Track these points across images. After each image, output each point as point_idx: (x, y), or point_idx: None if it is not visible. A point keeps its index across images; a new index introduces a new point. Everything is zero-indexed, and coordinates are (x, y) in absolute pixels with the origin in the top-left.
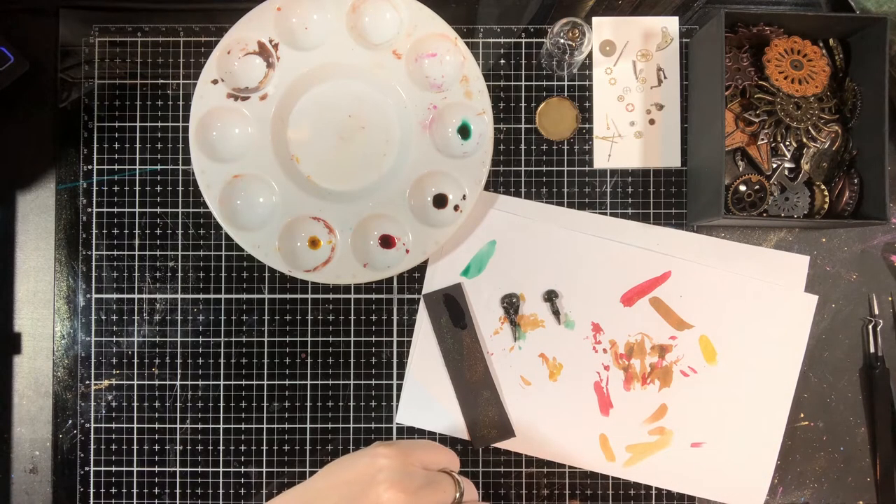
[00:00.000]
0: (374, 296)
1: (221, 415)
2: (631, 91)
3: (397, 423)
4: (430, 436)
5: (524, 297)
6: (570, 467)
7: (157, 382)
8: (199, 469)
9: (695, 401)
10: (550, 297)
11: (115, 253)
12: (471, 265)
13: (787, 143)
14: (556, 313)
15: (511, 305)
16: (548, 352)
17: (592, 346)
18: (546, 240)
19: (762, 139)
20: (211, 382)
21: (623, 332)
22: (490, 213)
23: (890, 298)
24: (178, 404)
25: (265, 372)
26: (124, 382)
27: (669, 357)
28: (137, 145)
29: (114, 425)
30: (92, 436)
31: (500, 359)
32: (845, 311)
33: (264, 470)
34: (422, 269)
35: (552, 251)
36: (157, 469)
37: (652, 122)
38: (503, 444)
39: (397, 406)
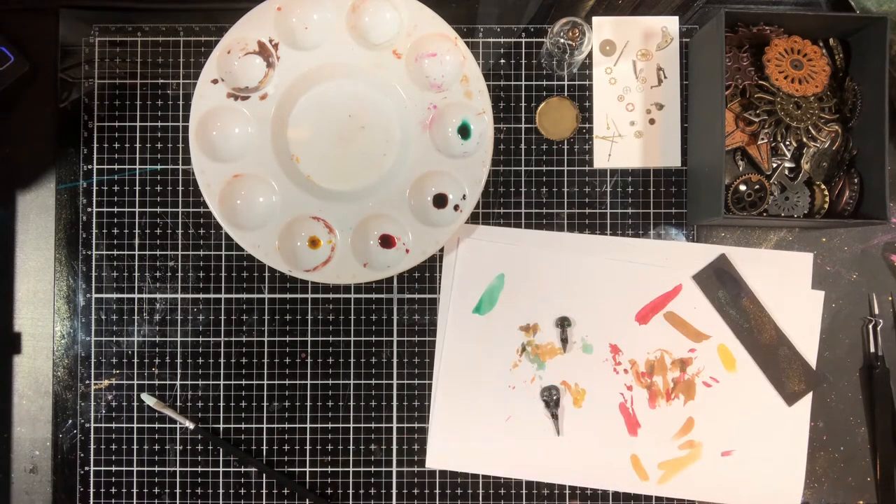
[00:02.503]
0: (374, 296)
1: (221, 415)
2: (631, 91)
3: (428, 468)
4: (464, 477)
5: (539, 327)
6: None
7: (157, 382)
8: (199, 469)
9: (720, 410)
10: (562, 324)
11: (115, 253)
12: (482, 301)
13: (787, 143)
14: (565, 341)
15: (551, 398)
16: (569, 378)
17: (613, 367)
18: (553, 267)
19: (762, 139)
20: (211, 382)
21: (642, 350)
22: (494, 248)
23: (890, 298)
24: (178, 404)
25: (265, 372)
26: (124, 382)
27: (690, 370)
28: (137, 145)
29: (114, 425)
30: (92, 436)
31: (522, 391)
32: (845, 310)
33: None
34: (422, 268)
35: (561, 278)
36: (157, 469)
37: (652, 121)
38: (535, 477)
39: (397, 406)
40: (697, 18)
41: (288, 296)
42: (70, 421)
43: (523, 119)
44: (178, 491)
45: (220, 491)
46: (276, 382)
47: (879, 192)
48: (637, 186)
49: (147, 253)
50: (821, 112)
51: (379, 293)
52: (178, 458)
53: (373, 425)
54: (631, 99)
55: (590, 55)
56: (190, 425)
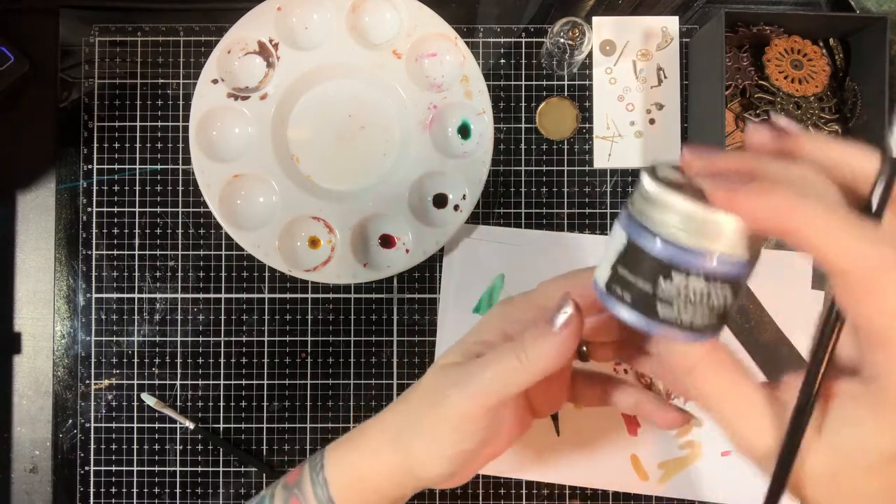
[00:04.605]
0: (374, 296)
1: (221, 415)
2: (631, 91)
3: None
4: None
5: None
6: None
7: (157, 382)
8: (199, 469)
9: None
10: None
11: (115, 253)
12: (482, 301)
13: None
14: None
15: None
16: None
17: (613, 367)
18: (553, 267)
19: None
20: (211, 382)
21: None
22: (493, 247)
23: None
24: (178, 404)
25: (265, 372)
26: (124, 382)
27: None
28: (137, 145)
29: (114, 425)
30: (92, 436)
31: None
32: None
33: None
34: (422, 268)
35: None
36: (157, 469)
37: (652, 121)
38: (535, 476)
39: None
40: (697, 18)
41: (288, 296)
42: (70, 421)
43: (523, 119)
44: (178, 491)
45: (220, 491)
46: (276, 382)
47: None
48: (637, 186)
49: (147, 253)
50: (821, 112)
51: (379, 293)
52: (178, 458)
53: None
54: (631, 99)
55: (590, 55)
56: (190, 425)
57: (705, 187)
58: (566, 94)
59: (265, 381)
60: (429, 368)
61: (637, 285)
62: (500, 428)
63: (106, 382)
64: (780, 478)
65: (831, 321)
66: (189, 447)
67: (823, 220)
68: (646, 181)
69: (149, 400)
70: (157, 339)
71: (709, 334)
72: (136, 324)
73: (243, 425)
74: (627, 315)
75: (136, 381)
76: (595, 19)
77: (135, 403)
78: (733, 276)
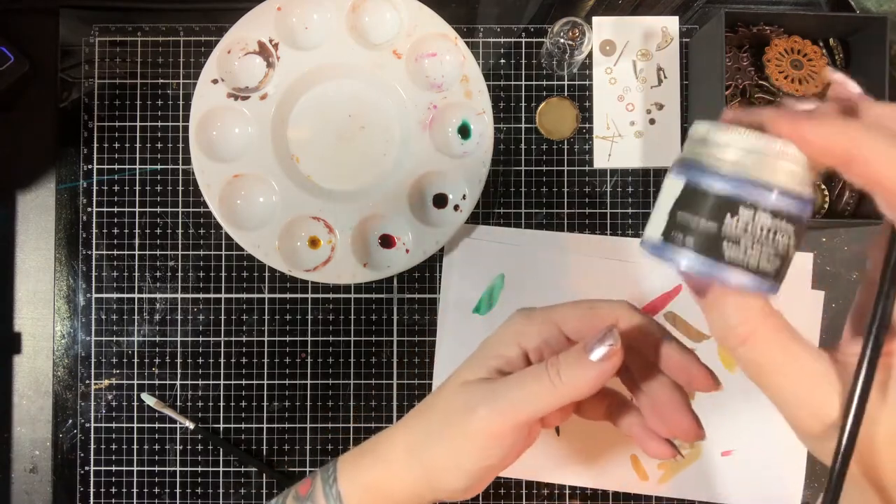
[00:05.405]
0: (374, 296)
1: (221, 415)
2: (631, 91)
3: None
4: None
5: None
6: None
7: (157, 382)
8: (199, 469)
9: (719, 410)
10: None
11: (115, 253)
12: (482, 301)
13: None
14: None
15: None
16: None
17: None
18: (553, 267)
19: None
20: (211, 382)
21: None
22: (493, 248)
23: None
24: (178, 404)
25: (265, 372)
26: (124, 382)
27: None
28: (137, 145)
29: (114, 425)
30: (92, 436)
31: None
32: (845, 310)
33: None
34: (422, 268)
35: (561, 278)
36: (157, 469)
37: (652, 121)
38: (535, 476)
39: (397, 406)
40: (697, 18)
41: (288, 296)
42: (70, 421)
43: (523, 119)
44: (178, 491)
45: (220, 491)
46: (276, 382)
47: None
48: (637, 186)
49: (147, 253)
50: None
51: (379, 293)
52: (178, 458)
53: (373, 425)
54: (631, 99)
55: (590, 55)
56: (190, 425)
57: (766, 118)
58: (566, 94)
59: (265, 381)
60: (446, 383)
61: (701, 226)
62: (520, 444)
63: (106, 382)
64: (848, 449)
65: (893, 262)
66: (189, 447)
67: (891, 149)
68: (699, 125)
69: (149, 400)
70: (157, 339)
71: (769, 284)
72: (136, 324)
73: (243, 425)
74: (691, 261)
75: (136, 381)
76: (595, 19)
77: (135, 403)
78: (796, 214)
